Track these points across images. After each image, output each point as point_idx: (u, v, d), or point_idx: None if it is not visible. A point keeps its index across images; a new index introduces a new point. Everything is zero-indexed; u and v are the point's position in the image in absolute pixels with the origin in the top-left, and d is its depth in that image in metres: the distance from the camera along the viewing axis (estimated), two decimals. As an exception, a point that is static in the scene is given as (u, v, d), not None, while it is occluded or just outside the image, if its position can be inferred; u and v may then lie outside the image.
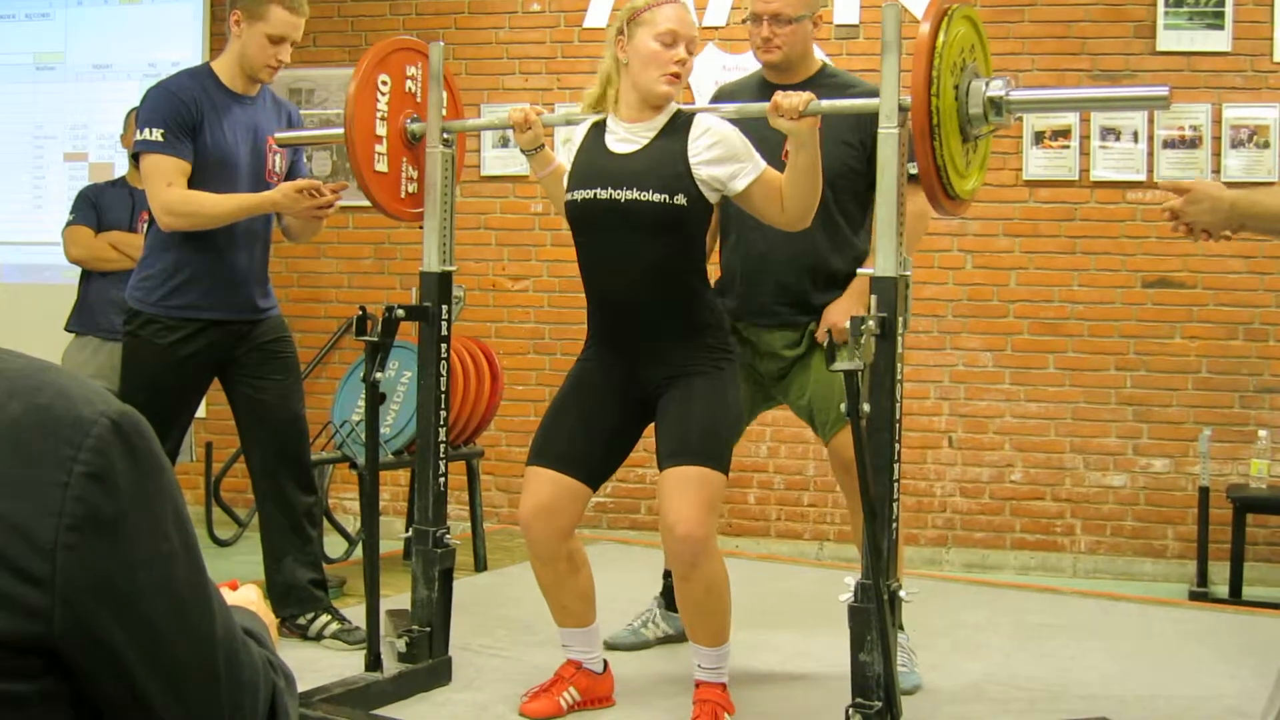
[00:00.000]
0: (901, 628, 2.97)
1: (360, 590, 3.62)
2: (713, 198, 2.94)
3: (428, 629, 3.29)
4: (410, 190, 3.50)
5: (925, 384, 5.47)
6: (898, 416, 2.68)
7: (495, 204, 5.95)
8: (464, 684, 3.35)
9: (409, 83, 3.47)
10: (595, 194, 2.94)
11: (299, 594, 3.71)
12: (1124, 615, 4.27)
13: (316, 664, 3.42)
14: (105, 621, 0.91)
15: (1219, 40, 5.25)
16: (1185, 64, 5.28)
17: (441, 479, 3.35)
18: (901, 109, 2.68)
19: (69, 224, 4.72)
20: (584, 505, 3.06)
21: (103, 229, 4.69)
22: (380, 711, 3.07)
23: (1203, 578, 4.98)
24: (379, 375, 3.14)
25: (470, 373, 4.54)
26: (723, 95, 3.61)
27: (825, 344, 2.55)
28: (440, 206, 3.37)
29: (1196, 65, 5.28)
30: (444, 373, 3.34)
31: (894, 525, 2.69)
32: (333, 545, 4.70)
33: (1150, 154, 5.28)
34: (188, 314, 3.57)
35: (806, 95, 2.79)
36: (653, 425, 3.01)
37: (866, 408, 2.52)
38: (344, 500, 5.94)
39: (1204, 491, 5.03)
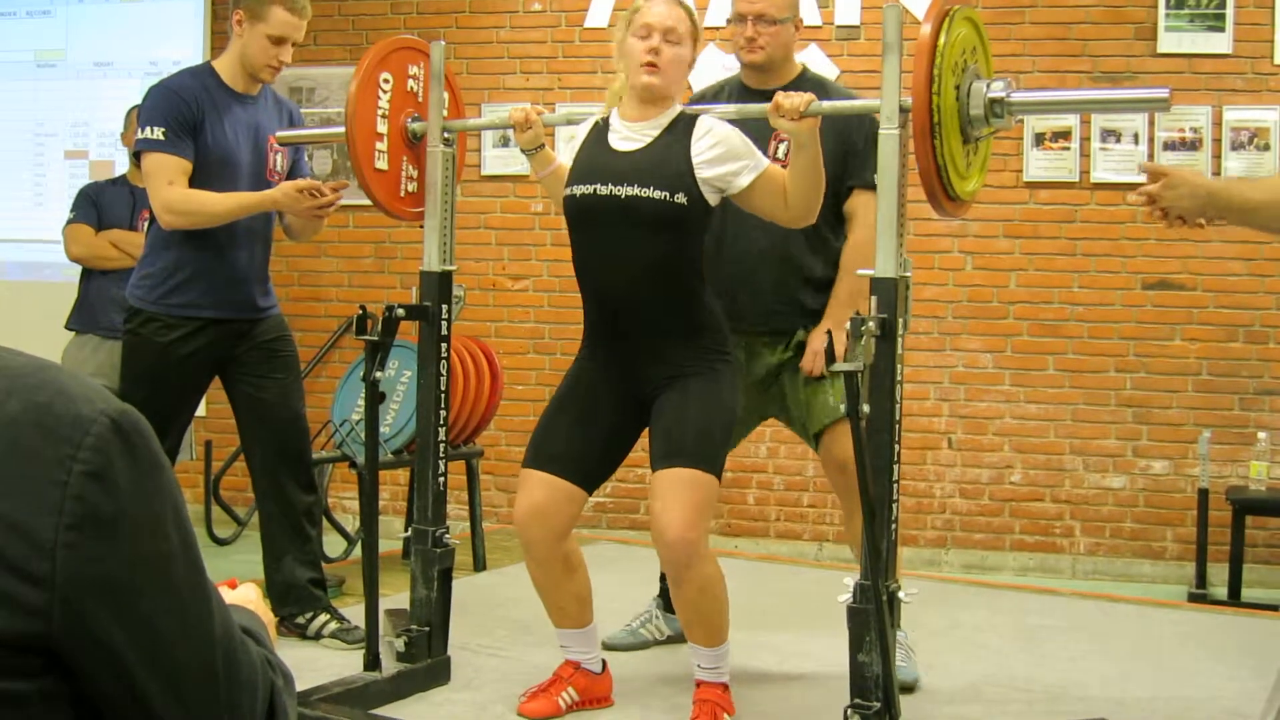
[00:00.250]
0: (899, 626, 2.97)
1: (359, 589, 3.62)
2: (714, 199, 2.93)
3: (426, 628, 3.29)
4: (410, 189, 3.50)
5: (925, 385, 5.47)
6: (897, 417, 2.68)
7: (495, 203, 5.95)
8: (463, 684, 3.35)
9: (410, 82, 3.47)
10: (595, 190, 2.94)
11: (298, 593, 3.71)
12: (1123, 617, 4.27)
13: (315, 663, 3.42)
14: (104, 620, 0.91)
15: (1220, 42, 5.25)
16: (1186, 66, 5.28)
17: (441, 478, 3.35)
18: (902, 110, 2.68)
19: (69, 222, 4.72)
20: (579, 507, 3.05)
21: (103, 227, 4.69)
22: (379, 711, 3.07)
23: (1202, 579, 4.98)
24: (379, 374, 3.14)
25: (470, 372, 4.54)
26: (704, 97, 3.60)
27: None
28: (441, 206, 3.37)
29: (1197, 67, 5.28)
30: (444, 372, 3.34)
31: (893, 526, 2.69)
32: (332, 544, 4.70)
33: (1151, 156, 5.28)
34: (188, 312, 3.57)
35: (808, 96, 2.80)
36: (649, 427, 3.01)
37: (866, 409, 2.52)
38: (343, 499, 5.94)
39: (1203, 493, 5.03)
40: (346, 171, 5.14)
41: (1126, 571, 5.38)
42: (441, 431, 3.34)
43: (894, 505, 2.69)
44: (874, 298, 2.65)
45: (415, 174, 3.50)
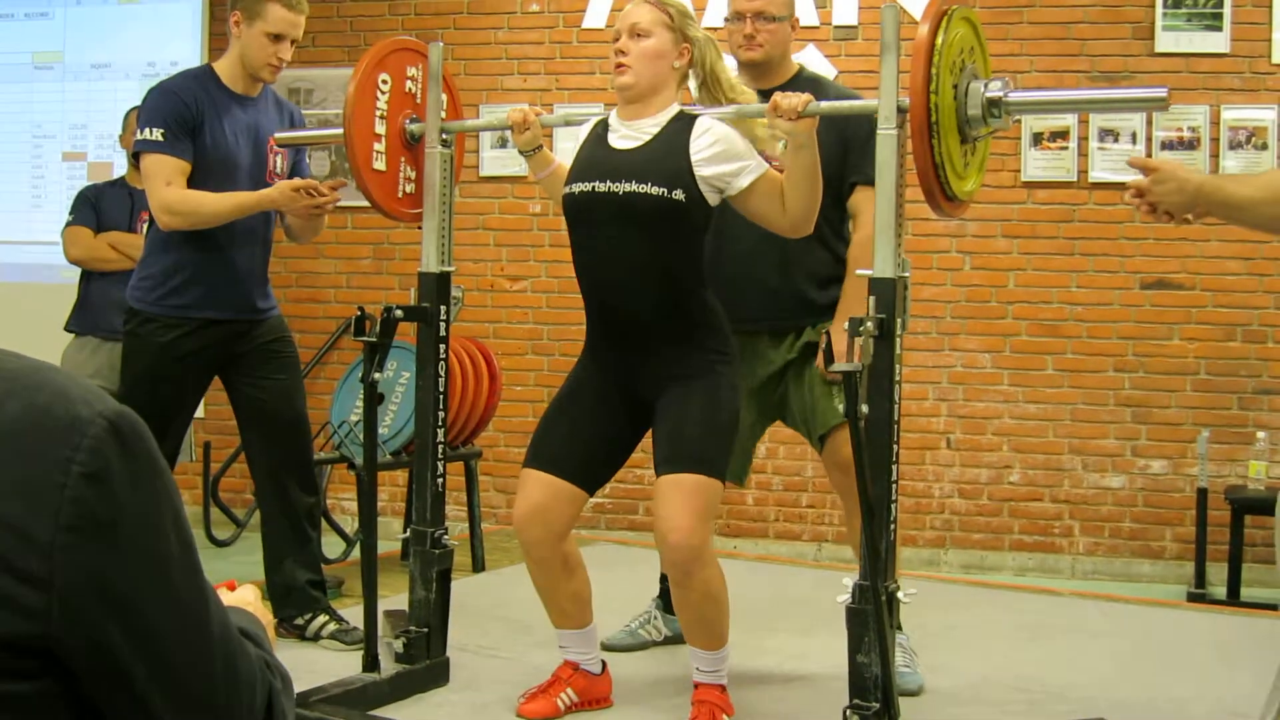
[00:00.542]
0: (900, 628, 2.97)
1: (358, 591, 3.62)
2: (713, 199, 2.93)
3: (425, 630, 3.29)
4: (408, 190, 3.50)
5: (924, 385, 5.47)
6: (896, 418, 2.68)
7: (494, 204, 5.95)
8: (461, 685, 3.35)
9: (409, 83, 3.47)
10: (594, 187, 2.94)
11: (297, 594, 3.71)
12: (1122, 616, 4.27)
13: (314, 664, 3.41)
14: (102, 622, 0.91)
15: (1217, 42, 5.25)
16: (1184, 65, 5.28)
17: (439, 479, 3.35)
18: (900, 110, 2.68)
19: (68, 224, 4.72)
20: (578, 508, 3.05)
21: (102, 229, 4.69)
22: (377, 712, 3.07)
23: (1201, 579, 4.99)
24: (377, 376, 3.13)
25: (469, 373, 4.54)
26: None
27: (821, 348, 2.54)
28: (439, 207, 3.37)
29: (1195, 67, 5.28)
30: (442, 373, 3.34)
31: (892, 526, 2.69)
32: (331, 546, 4.70)
33: (1149, 155, 5.28)
34: (187, 313, 3.57)
35: (805, 96, 2.79)
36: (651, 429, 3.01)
37: (865, 409, 2.52)
38: (342, 501, 5.94)
39: (1202, 493, 5.03)
40: (344, 172, 5.14)
41: (1125, 571, 5.38)
42: (440, 433, 3.34)
43: (893, 505, 2.69)
44: (872, 298, 2.64)
45: (413, 175, 3.50)
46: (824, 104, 2.85)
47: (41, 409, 0.92)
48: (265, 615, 1.23)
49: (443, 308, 3.33)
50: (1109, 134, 5.33)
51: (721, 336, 2.99)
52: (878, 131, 2.71)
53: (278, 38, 3.53)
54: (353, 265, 6.11)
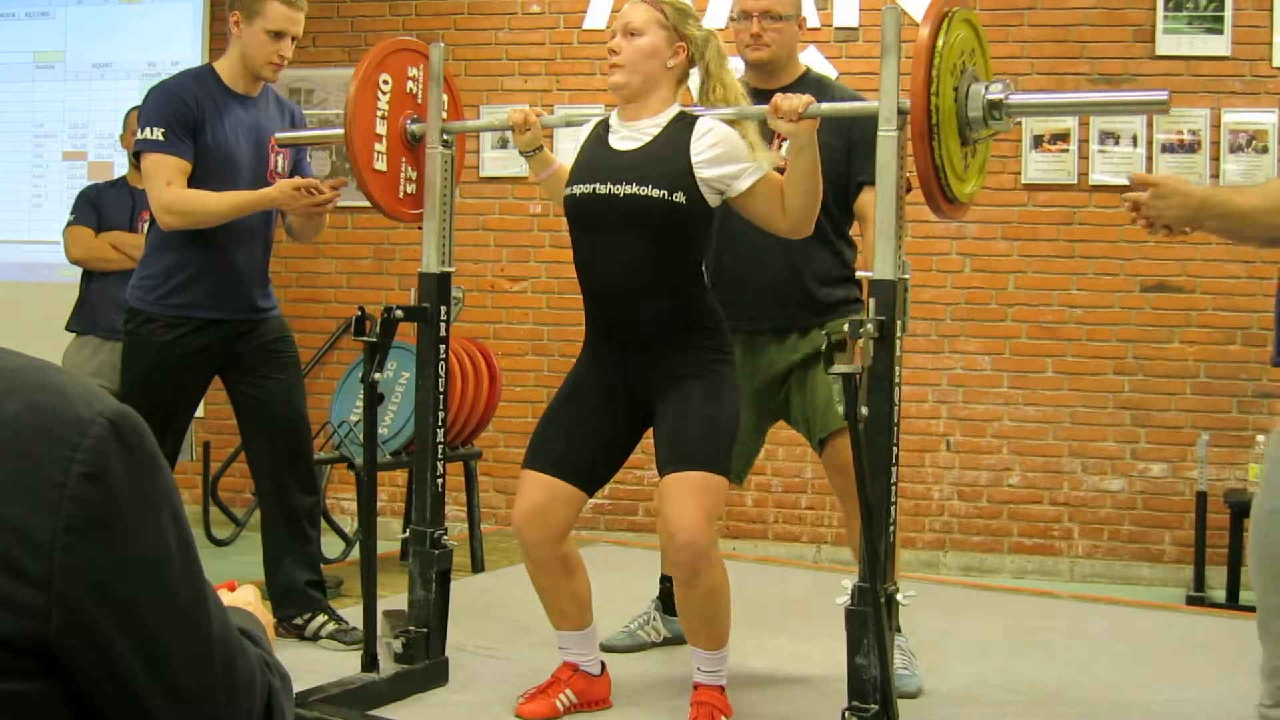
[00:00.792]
0: (899, 630, 2.97)
1: (357, 591, 3.62)
2: (713, 200, 2.93)
3: (425, 630, 3.29)
4: (409, 191, 3.50)
5: (923, 387, 5.47)
6: (896, 420, 2.68)
7: (494, 205, 5.95)
8: (460, 685, 3.35)
9: (409, 83, 3.47)
10: (595, 189, 2.94)
11: (296, 594, 3.71)
12: (1121, 619, 4.27)
13: (313, 664, 3.41)
14: (102, 622, 0.91)
15: (1218, 45, 5.25)
16: (1184, 68, 5.28)
17: (439, 480, 3.35)
18: (901, 112, 2.68)
19: (69, 224, 4.72)
20: (578, 509, 3.05)
21: (103, 229, 4.69)
22: (376, 712, 3.07)
23: (1200, 582, 4.98)
24: (377, 376, 3.13)
25: (469, 374, 4.54)
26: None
27: (824, 348, 2.53)
28: (439, 207, 3.37)
29: (1196, 70, 5.28)
30: (442, 374, 3.34)
31: (891, 528, 2.69)
32: (330, 546, 4.69)
33: (1149, 158, 5.28)
34: (188, 313, 3.57)
35: (806, 97, 2.79)
36: (651, 429, 3.01)
37: (865, 411, 2.52)
38: (341, 501, 5.94)
39: (1201, 496, 5.03)
40: (345, 172, 5.14)
41: (1125, 574, 5.38)
42: (440, 433, 3.34)
43: (892, 507, 2.69)
44: (872, 300, 2.65)
45: (414, 175, 3.50)
46: (824, 105, 2.85)
47: (41, 408, 0.92)
48: (265, 615, 1.23)
49: (443, 308, 3.33)
50: (1110, 136, 5.33)
51: (722, 337, 3.00)
52: (878, 133, 2.71)
53: (278, 35, 3.53)
54: (353, 265, 6.11)
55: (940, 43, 2.63)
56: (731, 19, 3.51)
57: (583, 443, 3.02)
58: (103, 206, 4.72)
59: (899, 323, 2.65)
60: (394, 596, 3.82)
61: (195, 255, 3.56)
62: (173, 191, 3.47)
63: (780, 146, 3.27)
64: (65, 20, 6.28)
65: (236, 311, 3.63)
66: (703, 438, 2.87)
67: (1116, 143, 5.33)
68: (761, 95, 3.23)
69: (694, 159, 2.89)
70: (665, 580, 3.67)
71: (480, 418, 4.69)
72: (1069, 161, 5.39)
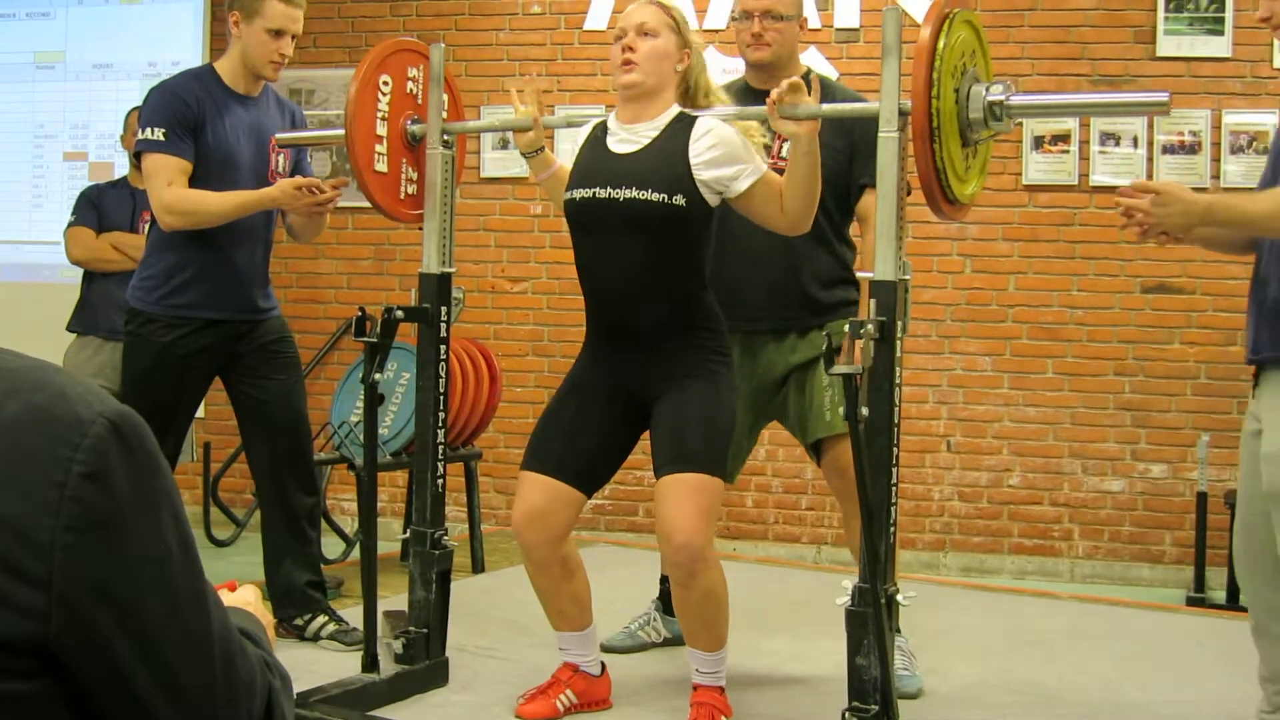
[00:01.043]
0: (899, 630, 2.97)
1: (357, 591, 3.62)
2: (713, 201, 2.93)
3: (425, 630, 3.29)
4: (410, 191, 3.50)
5: (924, 388, 5.47)
6: (896, 421, 2.68)
7: (495, 206, 5.95)
8: (461, 685, 3.35)
9: (410, 84, 3.47)
10: (594, 193, 2.94)
11: (297, 595, 3.71)
12: (1121, 620, 4.27)
13: (313, 665, 3.41)
14: (102, 622, 0.91)
15: (1219, 46, 5.25)
16: (1185, 70, 5.28)
17: (440, 480, 3.35)
18: (902, 113, 2.68)
19: (70, 225, 4.72)
20: (577, 510, 3.05)
21: (104, 230, 4.69)
22: (376, 713, 3.07)
23: (1200, 583, 4.98)
24: (377, 376, 3.13)
25: (469, 374, 4.54)
26: None
27: (825, 349, 2.53)
28: (440, 208, 3.37)
29: (1196, 71, 5.28)
30: (443, 374, 3.34)
31: (892, 529, 2.69)
32: (330, 546, 4.70)
33: (1150, 159, 5.29)
34: (188, 313, 3.57)
35: (805, 97, 2.79)
36: (649, 430, 3.01)
37: (865, 412, 2.52)
38: (342, 501, 5.94)
39: (1202, 497, 5.03)
40: (346, 172, 5.14)
41: (1125, 575, 5.38)
42: (440, 433, 3.34)
43: (892, 508, 2.69)
44: (873, 300, 2.65)
45: (415, 176, 3.50)
46: (825, 106, 2.85)
47: (42, 408, 0.92)
48: (265, 615, 1.23)
49: (443, 309, 3.33)
50: (1110, 138, 5.33)
51: (721, 338, 3.00)
52: (879, 135, 2.71)
53: (278, 33, 3.53)
54: (353, 266, 6.11)
55: (941, 44, 2.63)
56: (732, 19, 3.51)
57: (582, 444, 3.02)
58: (103, 207, 4.72)
59: (900, 323, 2.65)
60: (394, 597, 3.82)
61: (196, 256, 3.56)
62: (174, 192, 3.47)
63: (781, 148, 3.27)
64: (66, 21, 6.29)
65: (237, 312, 3.63)
66: (700, 438, 2.87)
67: (1117, 144, 5.33)
68: (763, 96, 3.23)
69: (692, 161, 2.89)
70: (665, 580, 3.67)
71: (480, 418, 4.69)
72: (1069, 162, 5.39)
